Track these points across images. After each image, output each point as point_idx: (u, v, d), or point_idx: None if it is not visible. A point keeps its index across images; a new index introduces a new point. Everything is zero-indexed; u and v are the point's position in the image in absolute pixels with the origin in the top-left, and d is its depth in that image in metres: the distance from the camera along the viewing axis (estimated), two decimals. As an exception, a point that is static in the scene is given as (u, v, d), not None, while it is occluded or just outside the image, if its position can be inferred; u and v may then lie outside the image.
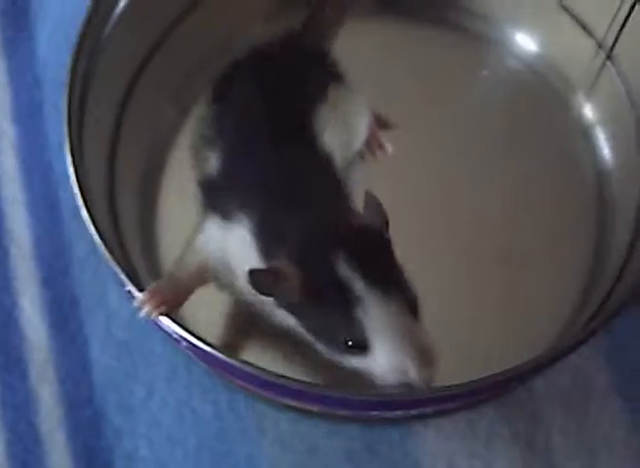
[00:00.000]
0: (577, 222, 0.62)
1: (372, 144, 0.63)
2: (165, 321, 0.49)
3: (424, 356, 0.46)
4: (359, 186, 0.54)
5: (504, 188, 0.63)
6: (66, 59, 0.56)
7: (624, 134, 0.62)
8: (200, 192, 0.55)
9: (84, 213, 0.51)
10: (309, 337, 0.48)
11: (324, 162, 0.55)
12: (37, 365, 0.58)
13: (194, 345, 0.48)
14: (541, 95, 0.67)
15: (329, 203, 0.51)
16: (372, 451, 0.55)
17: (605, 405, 0.57)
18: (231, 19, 0.66)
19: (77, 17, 0.57)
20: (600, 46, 0.64)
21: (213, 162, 0.54)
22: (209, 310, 0.57)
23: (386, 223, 0.48)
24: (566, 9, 0.65)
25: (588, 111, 0.66)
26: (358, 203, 0.51)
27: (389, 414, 0.54)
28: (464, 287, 0.59)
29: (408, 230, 0.52)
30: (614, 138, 0.64)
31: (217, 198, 0.53)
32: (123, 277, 0.49)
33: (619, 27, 0.62)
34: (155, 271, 0.59)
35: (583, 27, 0.65)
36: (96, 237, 0.50)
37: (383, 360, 0.46)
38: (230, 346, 0.58)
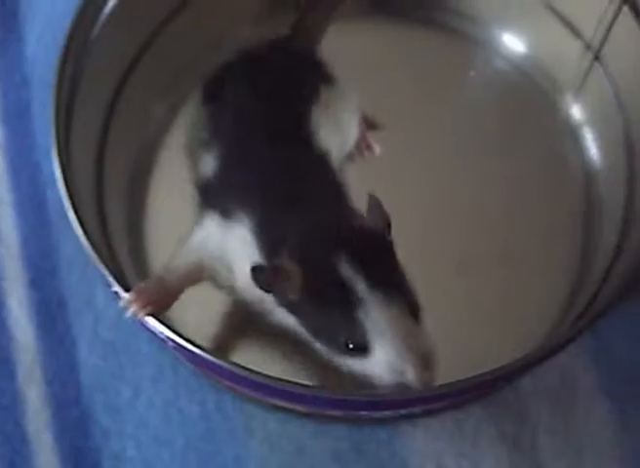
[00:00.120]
0: (565, 223, 0.62)
1: (360, 145, 0.63)
2: (151, 321, 0.49)
3: (424, 360, 0.46)
4: (352, 187, 0.54)
5: (493, 188, 0.63)
6: (55, 60, 0.56)
7: (612, 134, 0.63)
8: (198, 192, 0.55)
9: (71, 214, 0.51)
10: (309, 337, 0.48)
11: (321, 162, 0.55)
12: (25, 365, 0.58)
13: (180, 345, 0.48)
14: (529, 95, 0.67)
15: (329, 203, 0.52)
16: (359, 451, 0.55)
17: (592, 404, 0.57)
18: (220, 20, 0.66)
19: (66, 17, 0.57)
20: (588, 47, 0.64)
21: (210, 162, 0.54)
22: (199, 311, 0.57)
23: (389, 226, 0.48)
24: (553, 10, 0.65)
25: (576, 112, 0.66)
26: (354, 203, 0.51)
27: (377, 414, 0.54)
28: (454, 286, 0.59)
29: (396, 231, 0.51)
30: (602, 139, 0.65)
31: (215, 197, 0.53)
32: (109, 277, 0.49)
33: (606, 28, 0.62)
34: (143, 272, 0.59)
35: (571, 28, 0.65)
36: (82, 238, 0.50)
37: (383, 362, 0.46)
38: (226, 346, 0.58)
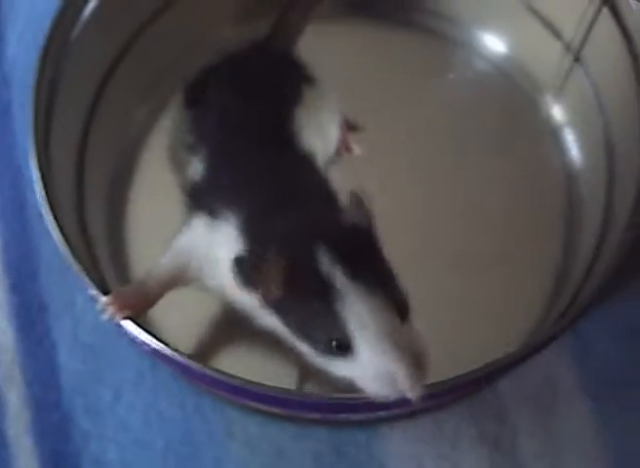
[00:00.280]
0: (546, 223, 0.63)
1: (340, 146, 0.63)
2: (128, 324, 0.49)
3: (413, 357, 0.44)
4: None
5: (474, 188, 0.63)
6: (35, 60, 0.55)
7: (593, 136, 0.63)
8: (186, 195, 0.55)
9: (48, 217, 0.51)
10: (294, 340, 0.47)
11: (306, 161, 0.55)
12: (4, 368, 0.58)
13: (156, 349, 0.48)
14: (510, 96, 0.67)
15: (314, 201, 0.51)
16: (339, 454, 0.55)
17: (572, 404, 0.57)
18: (201, 22, 0.66)
19: (47, 18, 0.57)
20: (568, 48, 0.64)
21: (197, 166, 0.54)
22: (182, 314, 0.57)
23: (371, 221, 0.48)
24: (533, 10, 0.65)
25: (557, 113, 0.66)
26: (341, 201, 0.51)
27: (356, 417, 0.54)
28: (434, 288, 0.58)
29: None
30: (582, 140, 0.65)
31: (203, 198, 0.53)
32: (86, 280, 0.49)
33: (586, 29, 0.62)
34: (124, 277, 0.59)
35: (551, 29, 0.65)
36: (59, 241, 0.50)
37: (368, 360, 0.44)
38: (209, 350, 0.57)
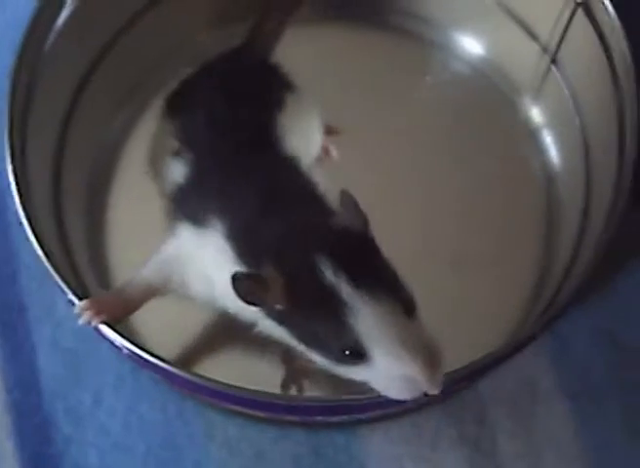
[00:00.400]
0: (526, 224, 0.63)
1: (320, 150, 0.63)
2: (104, 328, 0.49)
3: (428, 356, 0.44)
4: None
5: (453, 190, 0.63)
6: (10, 66, 0.55)
7: (571, 138, 0.63)
8: (168, 202, 0.54)
9: (25, 223, 0.51)
10: (303, 348, 0.47)
11: (292, 166, 0.54)
12: (-15, 373, 0.59)
13: (132, 352, 0.48)
14: (488, 97, 0.67)
15: (305, 206, 0.50)
16: (318, 455, 0.56)
17: (551, 405, 0.57)
18: (177, 27, 0.66)
19: (22, 24, 0.56)
20: (545, 50, 0.64)
21: (179, 171, 0.54)
22: (161, 317, 0.57)
23: (366, 222, 0.47)
24: (510, 12, 0.65)
25: (535, 114, 0.67)
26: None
27: (335, 419, 0.54)
28: (413, 288, 0.58)
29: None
30: (561, 142, 0.65)
31: (187, 205, 0.52)
32: (62, 285, 0.49)
33: (562, 31, 0.62)
34: (105, 283, 0.60)
35: (528, 31, 0.65)
36: (35, 245, 0.50)
37: (384, 367, 0.44)
38: (193, 353, 0.58)
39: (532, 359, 0.58)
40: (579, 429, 0.57)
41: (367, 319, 0.43)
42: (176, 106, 0.58)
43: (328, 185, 0.54)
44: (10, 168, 0.53)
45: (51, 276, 0.50)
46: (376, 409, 0.52)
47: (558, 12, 0.61)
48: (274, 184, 0.51)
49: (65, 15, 0.58)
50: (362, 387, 0.46)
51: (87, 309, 0.49)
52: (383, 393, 0.45)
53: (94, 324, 0.49)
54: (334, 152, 0.64)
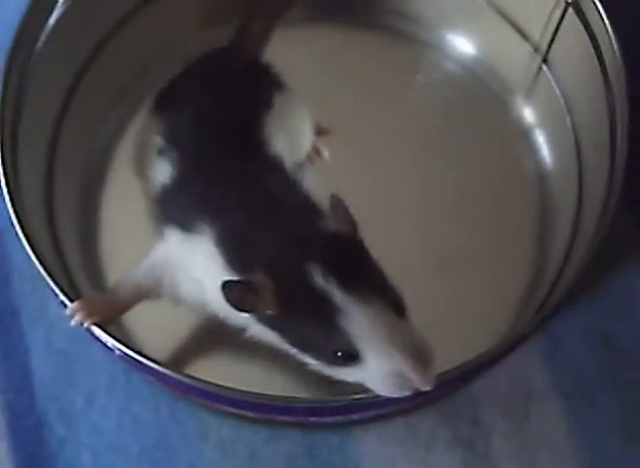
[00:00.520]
0: (519, 224, 0.63)
1: (309, 151, 0.62)
2: (96, 330, 0.49)
3: (419, 353, 0.45)
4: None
5: (445, 190, 0.63)
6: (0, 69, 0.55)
7: (563, 138, 0.63)
8: (154, 205, 0.54)
9: (16, 225, 0.51)
10: (295, 352, 0.47)
11: (279, 169, 0.54)
12: (-22, 374, 0.59)
13: (126, 354, 0.48)
14: (480, 98, 0.67)
15: (294, 212, 0.50)
16: (312, 456, 0.56)
17: (545, 405, 0.57)
18: (167, 28, 0.66)
19: (12, 26, 0.56)
20: (536, 49, 0.64)
21: (165, 169, 0.54)
22: (154, 318, 0.57)
23: (355, 227, 0.48)
24: (501, 12, 0.66)
25: (528, 114, 0.67)
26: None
27: (328, 419, 0.54)
28: (407, 289, 0.58)
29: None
30: (553, 142, 0.65)
31: (173, 209, 0.52)
32: (53, 286, 0.49)
33: (553, 31, 0.62)
34: (99, 285, 0.59)
35: (519, 31, 0.65)
36: (27, 249, 0.50)
37: (377, 366, 0.44)
38: (185, 354, 0.57)
39: (525, 359, 0.58)
40: (572, 429, 0.57)
41: (357, 320, 0.44)
42: (163, 104, 0.58)
43: (319, 186, 0.54)
44: (0, 170, 0.52)
45: (43, 278, 0.50)
46: (370, 410, 0.52)
47: (549, 12, 0.61)
48: (262, 189, 0.51)
49: (56, 16, 0.58)
50: (355, 388, 0.46)
51: (79, 310, 0.49)
52: (377, 392, 0.45)
53: (86, 325, 0.49)
54: (325, 153, 0.64)
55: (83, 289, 0.57)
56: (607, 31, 0.57)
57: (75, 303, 0.49)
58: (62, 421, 0.57)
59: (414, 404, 0.55)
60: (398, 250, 0.59)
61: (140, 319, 0.57)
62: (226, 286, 0.45)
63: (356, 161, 0.64)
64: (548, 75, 0.64)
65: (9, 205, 0.51)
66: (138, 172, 0.58)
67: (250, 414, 0.54)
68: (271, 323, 0.47)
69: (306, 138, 0.61)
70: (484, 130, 0.66)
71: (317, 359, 0.46)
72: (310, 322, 0.45)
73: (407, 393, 0.45)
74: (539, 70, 0.65)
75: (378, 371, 0.44)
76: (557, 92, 0.63)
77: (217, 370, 0.55)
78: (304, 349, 0.46)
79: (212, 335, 0.57)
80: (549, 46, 0.63)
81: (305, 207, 0.51)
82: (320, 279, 0.45)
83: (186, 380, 0.47)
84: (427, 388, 0.44)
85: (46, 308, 0.60)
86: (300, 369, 0.48)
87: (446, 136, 0.65)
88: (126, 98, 0.65)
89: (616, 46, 0.56)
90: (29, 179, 0.56)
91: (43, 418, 0.57)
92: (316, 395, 0.54)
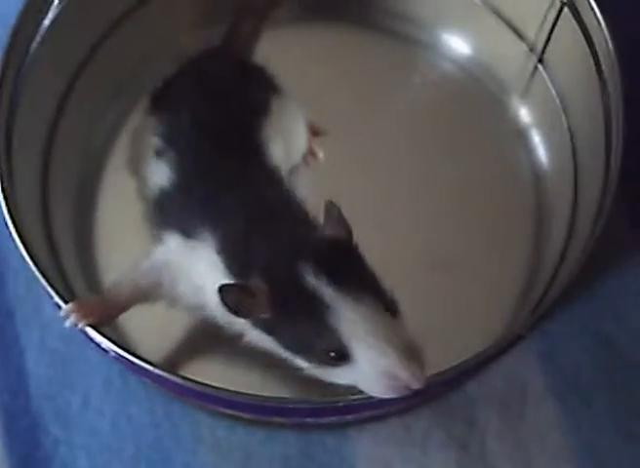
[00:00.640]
0: (516, 224, 0.63)
1: (305, 153, 0.63)
2: (91, 331, 0.49)
3: (409, 351, 0.45)
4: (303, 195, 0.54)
5: (442, 190, 0.63)
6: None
7: (558, 138, 0.63)
8: (152, 207, 0.54)
9: (11, 226, 0.51)
10: (290, 356, 0.48)
11: (275, 174, 0.55)
12: (-27, 376, 0.59)
13: (120, 355, 0.48)
14: (476, 97, 0.67)
15: (290, 218, 0.51)
16: (308, 457, 0.56)
17: (540, 406, 0.57)
18: (162, 28, 0.66)
19: (6, 27, 0.56)
20: (532, 49, 0.64)
21: (163, 176, 0.54)
22: (150, 319, 0.57)
23: (350, 232, 0.48)
24: (497, 12, 0.65)
25: (523, 114, 0.67)
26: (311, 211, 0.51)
27: (323, 420, 0.54)
28: (402, 290, 0.58)
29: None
30: (549, 142, 0.65)
31: (173, 214, 0.52)
32: (47, 288, 0.49)
33: (548, 31, 0.62)
34: (94, 285, 0.59)
35: (515, 31, 0.65)
36: (22, 251, 0.50)
37: (367, 365, 0.45)
38: (181, 356, 0.57)
39: (521, 359, 0.58)
40: (567, 429, 0.57)
41: (348, 318, 0.45)
42: (160, 104, 0.58)
43: (315, 187, 0.54)
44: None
45: (37, 280, 0.50)
46: (365, 411, 0.52)
47: (544, 11, 0.62)
48: (261, 196, 0.52)
49: (52, 16, 0.58)
50: (350, 389, 0.46)
51: (73, 312, 0.49)
52: (369, 392, 0.46)
53: (80, 326, 0.49)
54: (320, 154, 0.63)
55: (78, 290, 0.57)
56: (602, 31, 0.57)
57: (70, 304, 0.49)
58: (58, 422, 0.57)
59: (409, 404, 0.55)
60: (393, 249, 0.60)
61: (136, 321, 0.57)
62: (223, 289, 0.45)
63: (351, 162, 0.63)
64: (544, 75, 0.64)
65: (3, 205, 0.51)
66: (133, 172, 0.58)
67: (245, 416, 0.54)
68: (266, 327, 0.47)
69: (302, 141, 0.62)
70: (480, 130, 0.66)
71: (310, 361, 0.47)
72: (302, 321, 0.45)
73: (399, 393, 0.45)
74: (534, 70, 0.65)
75: (368, 371, 0.45)
76: (553, 91, 0.63)
77: (212, 372, 0.55)
78: (297, 351, 0.47)
79: (207, 337, 0.56)
80: (545, 46, 0.63)
81: (301, 213, 0.52)
82: (312, 278, 0.45)
83: (181, 382, 0.47)
84: (418, 386, 0.44)
85: (41, 309, 0.60)
86: (294, 370, 0.48)
87: (441, 135, 0.65)
88: (122, 98, 0.65)
89: (610, 45, 0.56)
90: (24, 180, 0.55)
91: (38, 419, 0.57)
92: (311, 396, 0.54)
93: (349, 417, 0.54)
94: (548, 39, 0.63)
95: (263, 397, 0.49)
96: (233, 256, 0.48)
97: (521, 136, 0.66)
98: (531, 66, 0.65)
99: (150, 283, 0.52)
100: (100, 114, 0.65)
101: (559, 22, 0.61)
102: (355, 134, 0.64)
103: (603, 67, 0.57)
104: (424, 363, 0.45)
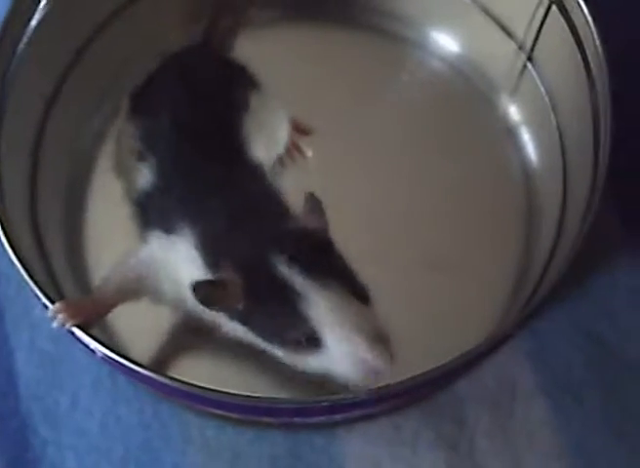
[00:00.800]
0: (505, 222, 0.63)
1: (290, 150, 0.63)
2: (78, 332, 0.49)
3: (377, 336, 0.46)
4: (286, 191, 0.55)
5: (431, 189, 0.63)
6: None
7: (548, 136, 0.63)
8: (136, 207, 0.55)
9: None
10: (265, 345, 0.49)
11: (256, 169, 0.55)
12: (-38, 377, 0.58)
13: (107, 356, 0.48)
14: (465, 96, 0.67)
15: (269, 211, 0.52)
16: (296, 457, 0.56)
17: (530, 405, 0.57)
18: (150, 29, 0.66)
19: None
20: (521, 47, 0.64)
21: (146, 176, 0.54)
22: (137, 319, 0.57)
23: (326, 223, 0.49)
24: (486, 10, 0.65)
25: (513, 112, 0.67)
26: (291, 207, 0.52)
27: (312, 420, 0.54)
28: (393, 289, 0.57)
29: (335, 235, 0.51)
30: (538, 140, 0.65)
31: (155, 212, 0.53)
32: (34, 288, 0.49)
33: (537, 29, 0.62)
34: (83, 286, 0.59)
35: (504, 29, 0.65)
36: (9, 250, 0.50)
37: (337, 348, 0.46)
38: (168, 355, 0.57)
39: (511, 358, 0.58)
40: (558, 427, 0.57)
41: (317, 304, 0.46)
42: (139, 108, 0.58)
43: (303, 186, 0.54)
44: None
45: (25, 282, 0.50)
46: (350, 410, 0.52)
47: (533, 10, 0.61)
48: (240, 192, 0.53)
49: (38, 18, 0.58)
50: (339, 388, 0.47)
51: (61, 312, 0.49)
52: (339, 378, 0.47)
53: (68, 326, 0.49)
54: (308, 152, 0.64)
55: (68, 291, 0.57)
56: (590, 29, 0.57)
57: (57, 305, 0.49)
58: (47, 423, 0.57)
59: (398, 403, 0.55)
60: (382, 249, 0.60)
61: (126, 321, 0.57)
62: (196, 286, 0.46)
63: (340, 161, 0.63)
64: (533, 73, 0.64)
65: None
66: (119, 175, 0.58)
67: (234, 416, 0.54)
68: (241, 318, 0.48)
69: (281, 139, 0.62)
70: (469, 128, 0.66)
71: (285, 350, 0.48)
72: (275, 310, 0.47)
73: (368, 376, 0.46)
74: (523, 68, 0.65)
75: (338, 355, 0.46)
76: (542, 89, 0.63)
77: (201, 372, 0.55)
78: (272, 340, 0.48)
79: (196, 337, 0.56)
80: (534, 44, 0.63)
81: (281, 207, 0.53)
82: (284, 268, 0.47)
83: (169, 382, 0.47)
84: (385, 367, 0.45)
85: (30, 311, 0.60)
86: (284, 370, 0.49)
87: (430, 134, 0.65)
88: (109, 101, 0.65)
89: (598, 43, 0.56)
90: (13, 183, 0.55)
91: (27, 420, 0.57)
92: (300, 396, 0.54)
93: (338, 417, 0.54)
94: (537, 37, 0.63)
95: (251, 397, 0.49)
96: (210, 251, 0.49)
97: (510, 133, 0.66)
98: (520, 64, 0.65)
99: (137, 276, 0.52)
100: (87, 116, 0.65)
101: (547, 21, 0.61)
102: (343, 132, 0.64)
103: (591, 65, 0.57)
104: (392, 349, 0.46)
